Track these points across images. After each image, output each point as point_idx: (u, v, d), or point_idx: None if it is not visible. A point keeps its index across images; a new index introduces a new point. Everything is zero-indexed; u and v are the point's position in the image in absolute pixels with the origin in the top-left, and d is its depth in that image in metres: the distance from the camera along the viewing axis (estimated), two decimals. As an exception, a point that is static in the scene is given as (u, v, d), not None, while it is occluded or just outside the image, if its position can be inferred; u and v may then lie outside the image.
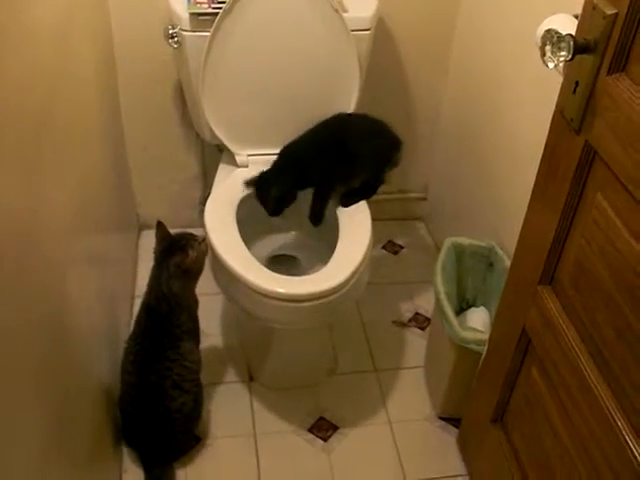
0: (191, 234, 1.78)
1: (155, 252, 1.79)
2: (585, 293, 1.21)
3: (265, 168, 1.93)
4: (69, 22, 1.55)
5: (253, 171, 1.91)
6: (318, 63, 1.96)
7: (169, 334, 1.72)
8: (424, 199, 2.65)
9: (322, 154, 1.90)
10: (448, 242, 1.95)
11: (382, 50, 2.20)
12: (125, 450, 1.84)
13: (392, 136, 1.97)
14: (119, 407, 1.78)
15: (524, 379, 1.49)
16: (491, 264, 1.97)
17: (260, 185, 1.90)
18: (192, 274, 1.75)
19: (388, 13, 2.17)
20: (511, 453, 1.57)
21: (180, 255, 1.72)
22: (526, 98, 1.82)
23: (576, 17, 1.28)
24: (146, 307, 1.77)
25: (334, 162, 1.90)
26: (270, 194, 1.87)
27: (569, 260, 1.26)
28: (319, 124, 1.95)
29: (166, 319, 1.72)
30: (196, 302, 1.81)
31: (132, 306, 2.17)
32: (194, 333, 1.80)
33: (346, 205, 1.92)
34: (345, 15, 1.89)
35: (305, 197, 1.91)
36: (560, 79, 1.23)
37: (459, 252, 1.96)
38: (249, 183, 1.91)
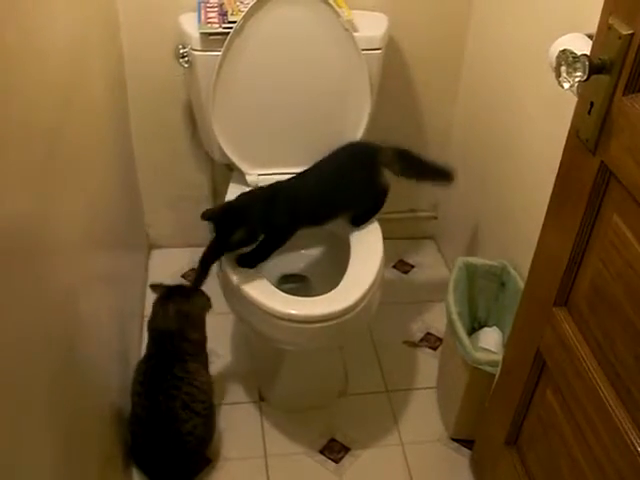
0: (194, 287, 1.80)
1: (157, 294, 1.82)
2: (602, 315, 1.20)
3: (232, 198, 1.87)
4: (80, 42, 1.56)
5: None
6: (329, 82, 1.95)
7: (174, 354, 1.73)
8: (435, 218, 2.64)
9: (319, 200, 1.88)
10: (460, 262, 1.94)
11: (392, 71, 2.20)
12: (135, 471, 1.82)
13: (368, 147, 1.95)
14: (129, 428, 1.77)
15: (539, 401, 1.48)
16: (503, 284, 1.95)
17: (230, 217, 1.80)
18: (193, 320, 1.78)
19: (398, 33, 2.16)
20: (526, 476, 1.54)
21: (180, 301, 1.76)
22: (538, 118, 1.81)
23: (589, 36, 1.28)
24: (151, 335, 1.79)
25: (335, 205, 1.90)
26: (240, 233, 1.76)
27: (585, 281, 1.25)
28: (311, 168, 1.91)
29: (169, 344, 1.74)
30: (204, 338, 1.84)
31: (142, 325, 2.16)
32: (201, 357, 1.80)
33: (358, 224, 1.91)
34: (356, 34, 1.89)
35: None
36: (572, 99, 1.22)
37: (471, 272, 1.95)
38: (206, 215, 1.83)
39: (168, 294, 1.78)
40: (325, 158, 1.91)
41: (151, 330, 1.79)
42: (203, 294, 1.80)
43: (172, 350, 1.72)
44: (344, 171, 1.91)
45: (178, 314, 1.73)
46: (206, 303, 1.80)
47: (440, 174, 2.00)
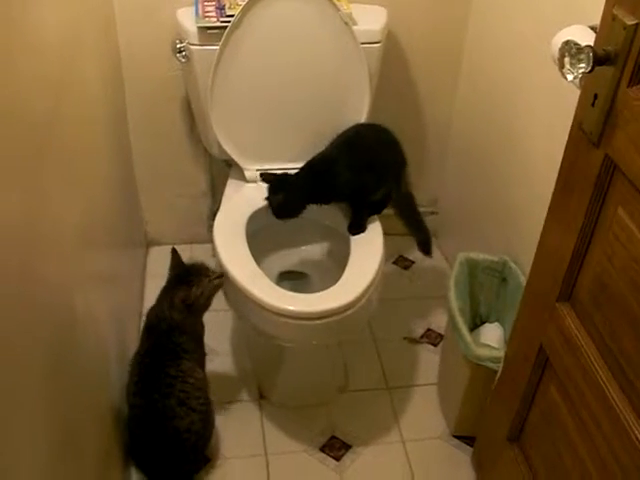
0: (206, 268, 1.75)
1: (168, 277, 1.78)
2: (606, 310, 1.18)
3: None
4: (74, 38, 1.54)
5: (262, 187, 1.87)
6: (328, 76, 1.94)
7: (169, 352, 1.70)
8: (435, 213, 2.62)
9: (352, 167, 1.86)
10: (461, 257, 1.93)
11: (392, 64, 2.18)
12: (134, 471, 1.81)
13: (400, 146, 1.96)
14: (127, 427, 1.75)
15: (541, 397, 1.46)
16: (504, 279, 1.94)
17: (278, 186, 1.84)
18: (196, 309, 1.73)
19: (397, 26, 2.15)
20: (529, 472, 1.53)
21: (185, 290, 1.70)
22: (539, 111, 1.80)
23: (592, 28, 1.26)
24: (147, 326, 1.76)
25: (366, 174, 1.87)
26: (286, 198, 1.81)
27: (589, 276, 1.23)
28: (340, 137, 1.92)
29: (165, 337, 1.70)
30: (202, 329, 1.80)
31: (140, 324, 2.14)
32: (196, 355, 1.77)
33: (358, 226, 1.90)
34: (355, 28, 1.88)
35: (316, 211, 1.89)
36: (574, 91, 1.21)
37: (472, 267, 1.94)
38: (266, 178, 1.86)
39: (176, 281, 1.75)
40: (378, 131, 1.95)
41: (150, 320, 1.76)
42: (212, 273, 1.74)
43: (168, 346, 1.69)
44: (394, 150, 1.95)
45: (183, 304, 1.70)
46: (217, 282, 1.74)
47: (421, 234, 2.04)
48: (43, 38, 1.24)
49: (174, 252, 1.79)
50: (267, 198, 1.84)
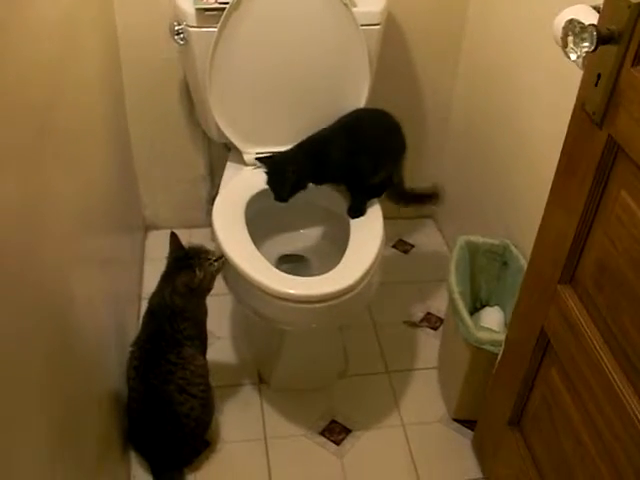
0: (206, 250, 1.73)
1: (167, 261, 1.76)
2: (608, 292, 1.17)
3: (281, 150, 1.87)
4: (73, 19, 1.52)
5: (261, 171, 1.85)
6: (327, 59, 1.92)
7: (170, 338, 1.69)
8: (435, 197, 2.61)
9: (349, 148, 1.85)
10: (461, 240, 1.92)
11: (391, 46, 2.17)
12: (133, 455, 1.81)
13: (401, 130, 1.94)
14: (127, 412, 1.75)
15: (542, 381, 1.46)
16: (505, 263, 1.93)
17: (275, 165, 1.82)
18: (199, 292, 1.72)
19: (397, 8, 2.13)
20: (529, 456, 1.53)
21: (187, 274, 1.68)
22: (541, 92, 1.78)
23: (595, 8, 1.24)
24: (149, 312, 1.75)
25: (363, 156, 1.86)
26: (285, 176, 1.79)
27: (591, 259, 1.22)
28: (341, 119, 1.91)
29: (167, 324, 1.69)
30: (204, 313, 1.78)
31: (139, 308, 2.14)
32: (198, 341, 1.76)
33: (358, 209, 1.89)
34: (354, 10, 1.86)
35: (315, 194, 1.88)
36: (576, 71, 1.20)
37: (472, 250, 1.93)
38: (263, 161, 1.84)
39: (176, 265, 1.73)
40: (378, 116, 1.94)
41: (152, 306, 1.75)
42: (213, 255, 1.73)
43: (170, 332, 1.69)
44: (394, 134, 1.94)
45: (186, 289, 1.69)
46: (219, 264, 1.72)
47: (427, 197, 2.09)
48: (41, 21, 1.22)
49: (173, 236, 1.77)
50: (270, 182, 1.82)
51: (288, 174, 1.78)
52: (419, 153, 2.45)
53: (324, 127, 1.88)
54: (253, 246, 1.74)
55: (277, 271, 1.69)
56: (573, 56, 1.08)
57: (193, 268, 1.68)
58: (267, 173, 1.82)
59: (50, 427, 1.11)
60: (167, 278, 1.73)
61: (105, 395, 1.62)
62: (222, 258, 1.72)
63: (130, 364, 1.73)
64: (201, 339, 1.77)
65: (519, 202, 1.93)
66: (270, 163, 1.83)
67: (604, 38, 1.04)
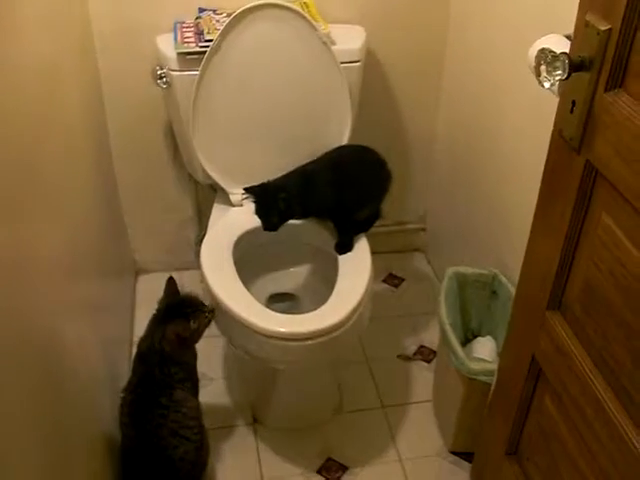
0: (201, 302, 1.72)
1: (159, 305, 1.75)
2: (596, 317, 1.17)
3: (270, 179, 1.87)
4: (55, 66, 1.54)
5: (249, 210, 1.86)
6: (309, 97, 1.94)
7: (160, 382, 1.67)
8: (423, 229, 2.62)
9: (335, 183, 1.86)
10: (450, 272, 1.92)
11: (373, 82, 2.19)
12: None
13: (385, 166, 1.95)
14: (121, 458, 1.73)
15: (537, 409, 1.45)
16: (494, 292, 1.93)
17: (264, 193, 1.82)
18: (188, 343, 1.71)
19: (377, 44, 2.16)
20: (528, 486, 1.52)
21: (181, 323, 1.67)
22: (522, 121, 1.80)
23: (567, 37, 1.26)
24: (139, 356, 1.73)
25: (348, 192, 1.87)
26: (276, 204, 1.79)
27: (577, 283, 1.22)
28: (326, 155, 1.92)
29: (157, 368, 1.67)
30: (194, 356, 1.77)
31: (130, 352, 2.12)
32: (189, 383, 1.74)
33: (345, 245, 1.89)
34: (334, 47, 1.88)
35: (302, 232, 1.88)
36: (553, 99, 1.21)
37: (461, 281, 1.93)
38: (250, 190, 1.84)
39: (169, 312, 1.72)
40: (360, 152, 1.95)
41: (140, 350, 1.73)
42: (207, 308, 1.72)
43: (160, 376, 1.67)
44: (378, 170, 1.95)
45: (177, 338, 1.67)
46: (210, 317, 1.72)
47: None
48: (23, 69, 1.24)
49: (171, 280, 1.76)
50: (258, 211, 1.82)
51: (279, 201, 1.78)
52: (404, 187, 2.47)
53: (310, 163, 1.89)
54: (241, 285, 1.74)
55: (265, 309, 1.69)
56: (547, 84, 1.10)
57: (188, 318, 1.68)
58: (256, 202, 1.82)
59: (42, 473, 1.10)
60: (157, 323, 1.72)
61: (99, 440, 1.60)
62: (213, 311, 1.72)
63: (122, 409, 1.71)
64: (192, 381, 1.76)
65: (506, 231, 1.94)
66: (259, 192, 1.83)
67: (576, 65, 1.06)
